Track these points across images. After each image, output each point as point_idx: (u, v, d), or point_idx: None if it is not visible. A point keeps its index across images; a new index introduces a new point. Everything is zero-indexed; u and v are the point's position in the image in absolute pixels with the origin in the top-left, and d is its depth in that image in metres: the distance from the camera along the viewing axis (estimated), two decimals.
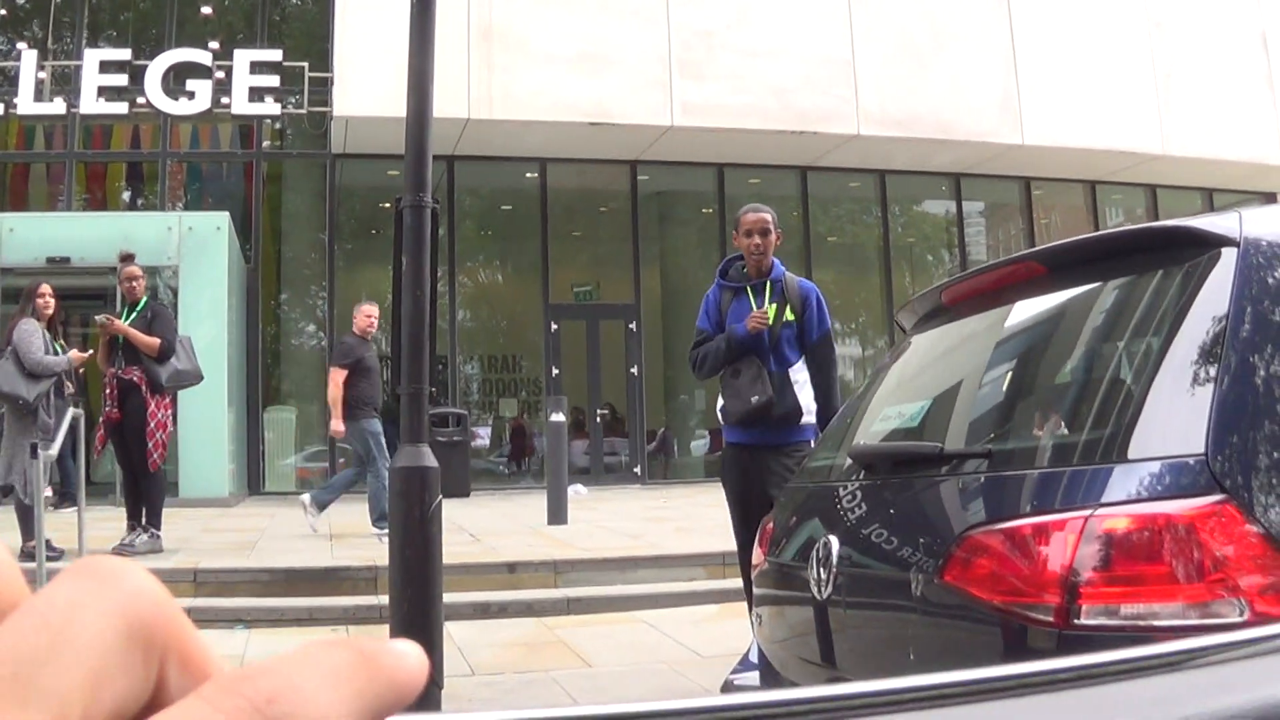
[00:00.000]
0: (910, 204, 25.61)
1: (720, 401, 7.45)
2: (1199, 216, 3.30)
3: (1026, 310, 3.78)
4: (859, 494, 3.87)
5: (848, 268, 25.25)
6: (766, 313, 7.19)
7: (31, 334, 11.08)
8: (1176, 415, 2.88)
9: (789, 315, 7.30)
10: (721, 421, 7.54)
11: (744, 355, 7.24)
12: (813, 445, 6.86)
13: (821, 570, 3.65)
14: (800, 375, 7.30)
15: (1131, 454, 2.81)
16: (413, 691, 0.46)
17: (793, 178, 23.37)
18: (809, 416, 7.25)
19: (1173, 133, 22.26)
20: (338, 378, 13.34)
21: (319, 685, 0.42)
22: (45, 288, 11.55)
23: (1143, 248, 3.38)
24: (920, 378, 4.37)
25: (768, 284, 7.36)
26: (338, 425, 13.41)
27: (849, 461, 4.06)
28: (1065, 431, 3.23)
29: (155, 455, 11.42)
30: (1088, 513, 2.74)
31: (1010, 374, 3.79)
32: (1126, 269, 3.40)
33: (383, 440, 13.41)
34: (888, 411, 4.22)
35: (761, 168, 23.06)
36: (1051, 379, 3.63)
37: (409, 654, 0.46)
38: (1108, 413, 3.04)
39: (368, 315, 13.79)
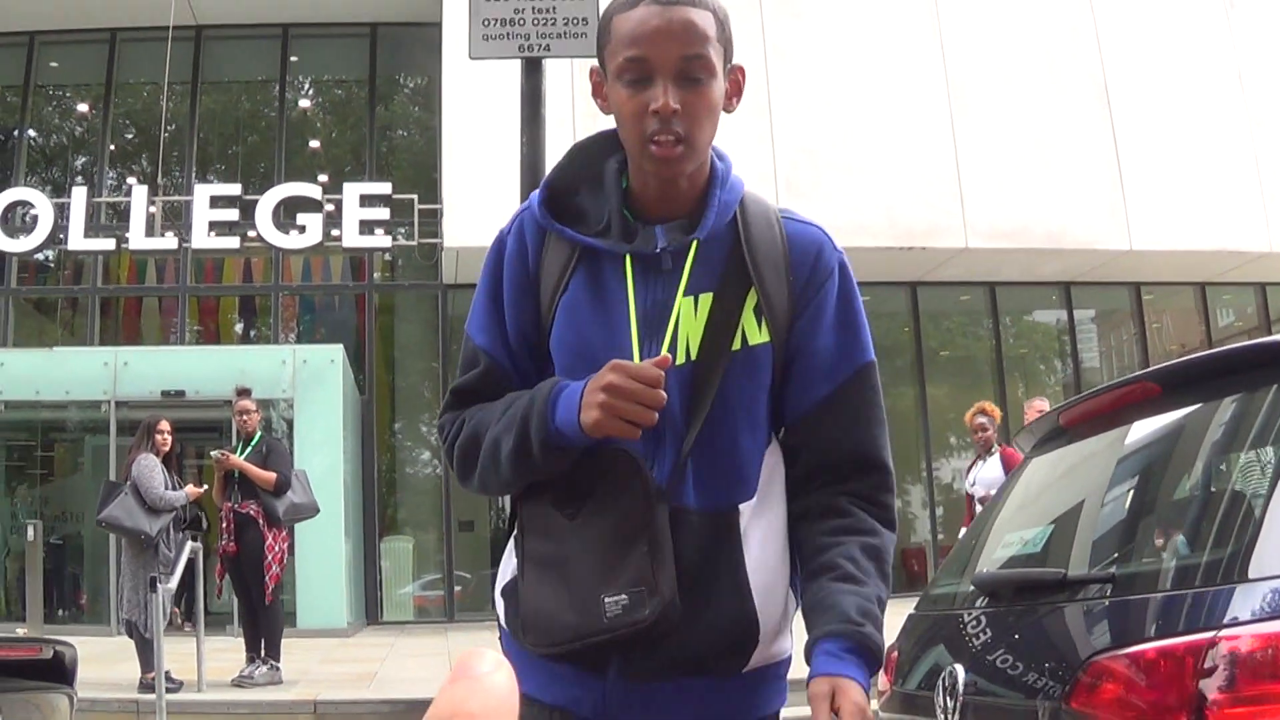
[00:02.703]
0: (1021, 314, 25.43)
1: (502, 574, 2.55)
2: None
3: (1143, 430, 3.78)
4: (983, 621, 3.87)
5: (961, 381, 25.07)
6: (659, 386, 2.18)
7: (152, 469, 11.27)
8: None
9: (753, 331, 2.37)
10: (503, 627, 2.53)
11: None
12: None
13: (948, 699, 3.64)
14: (769, 512, 2.40)
15: (1252, 573, 2.81)
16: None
17: (903, 294, 23.28)
18: (782, 640, 2.44)
19: (1278, 229, 22.04)
20: None
21: None
22: (164, 424, 11.75)
23: (1255, 363, 3.38)
24: (1041, 500, 4.37)
25: (694, 246, 2.37)
26: None
27: (972, 588, 4.06)
28: (1187, 553, 3.22)
29: (271, 587, 11.52)
30: (1212, 634, 2.75)
31: (1130, 495, 3.78)
32: (1241, 385, 3.40)
33: None
34: (1009, 537, 4.22)
35: (871, 284, 22.93)
36: (1171, 499, 3.61)
37: (497, 684, 0.51)
38: (1228, 532, 3.04)
39: None
